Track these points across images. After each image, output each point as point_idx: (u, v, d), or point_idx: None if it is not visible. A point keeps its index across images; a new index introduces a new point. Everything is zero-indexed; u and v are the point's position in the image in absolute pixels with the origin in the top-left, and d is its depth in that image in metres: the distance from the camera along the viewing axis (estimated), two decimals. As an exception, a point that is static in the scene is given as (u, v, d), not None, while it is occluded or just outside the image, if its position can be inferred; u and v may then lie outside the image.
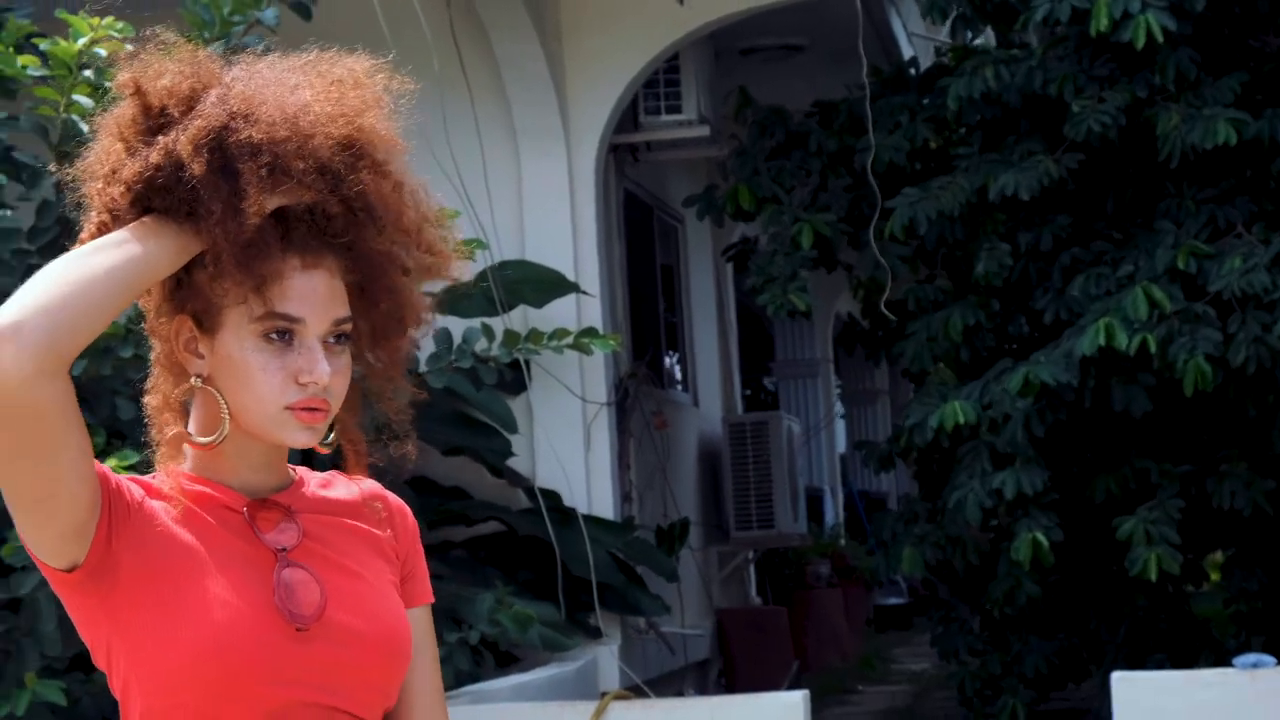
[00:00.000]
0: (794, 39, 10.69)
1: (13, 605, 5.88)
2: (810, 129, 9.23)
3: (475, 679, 7.35)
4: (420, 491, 8.10)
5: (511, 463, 8.47)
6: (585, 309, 8.67)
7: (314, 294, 2.18)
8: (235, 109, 2.16)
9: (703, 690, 10.87)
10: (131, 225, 2.15)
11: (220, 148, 2.14)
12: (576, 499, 8.59)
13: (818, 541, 14.48)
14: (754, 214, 9.23)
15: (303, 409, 2.18)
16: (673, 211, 11.28)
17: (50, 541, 2.14)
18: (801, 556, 13.92)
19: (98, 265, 2.09)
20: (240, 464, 2.23)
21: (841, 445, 18.64)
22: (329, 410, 2.20)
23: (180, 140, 2.15)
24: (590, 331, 7.85)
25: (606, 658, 8.59)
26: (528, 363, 8.34)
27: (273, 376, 2.17)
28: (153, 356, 2.25)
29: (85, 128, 5.58)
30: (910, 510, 9.06)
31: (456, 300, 8.08)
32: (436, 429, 8.18)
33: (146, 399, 2.25)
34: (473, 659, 7.19)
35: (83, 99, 6.16)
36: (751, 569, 13.04)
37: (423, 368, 7.56)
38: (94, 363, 6.16)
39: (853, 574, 14.47)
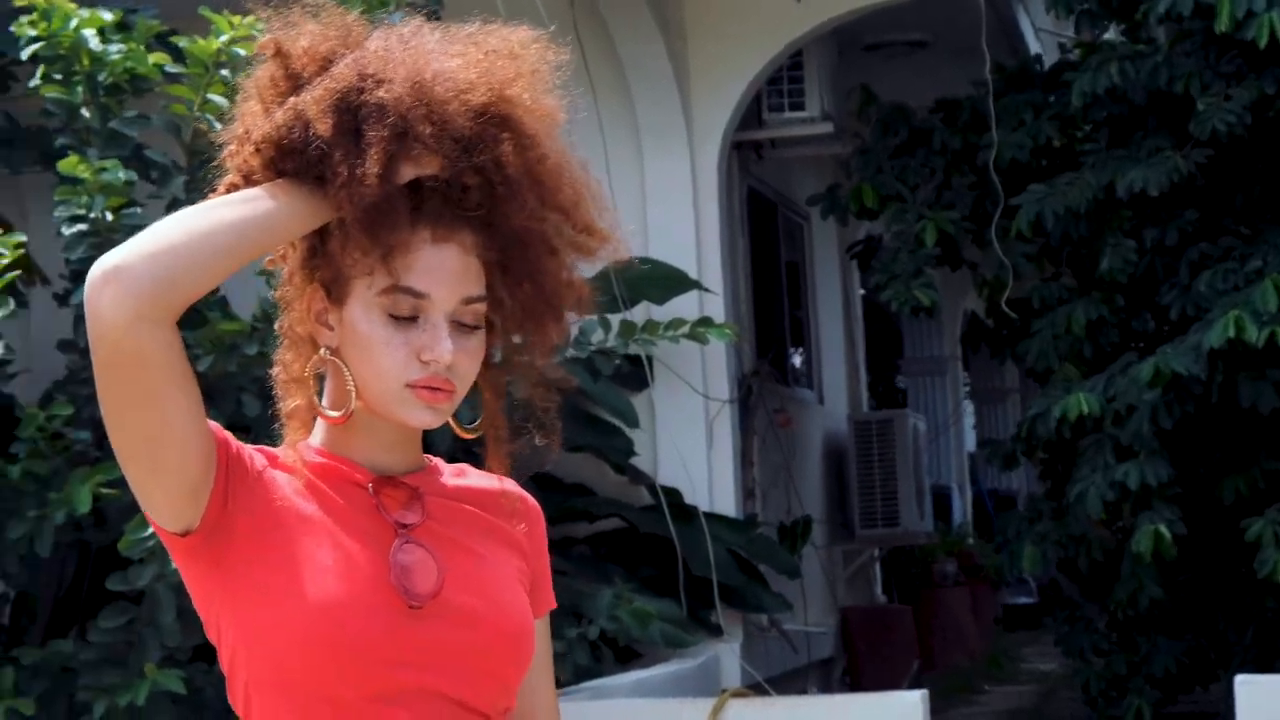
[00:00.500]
0: (918, 35, 10.66)
1: (135, 598, 5.98)
2: (934, 126, 9.22)
3: (596, 674, 7.38)
4: (543, 488, 8.14)
5: (634, 460, 8.50)
6: (708, 306, 8.67)
7: (442, 269, 2.10)
8: (367, 70, 2.09)
9: (826, 689, 10.85)
10: (262, 185, 2.10)
11: (348, 109, 2.08)
12: (698, 496, 8.60)
13: (944, 540, 14.41)
14: (877, 212, 9.22)
15: (424, 387, 2.09)
16: (798, 208, 11.27)
17: (162, 500, 2.09)
18: (928, 555, 13.86)
19: (216, 218, 2.05)
20: (371, 442, 2.16)
21: (971, 443, 18.55)
22: (454, 391, 2.11)
23: (307, 100, 2.09)
24: (706, 321, 7.85)
25: (728, 655, 8.59)
26: (650, 359, 8.36)
27: (395, 351, 2.09)
28: (281, 327, 2.19)
29: (219, 126, 5.67)
30: (1034, 509, 9.01)
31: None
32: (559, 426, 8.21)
33: (275, 370, 2.20)
34: (591, 654, 7.23)
35: (217, 98, 6.21)
36: (877, 567, 13.00)
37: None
38: (220, 360, 6.25)
39: (980, 573, 14.38)
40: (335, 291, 2.13)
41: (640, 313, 8.36)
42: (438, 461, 2.24)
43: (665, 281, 8.41)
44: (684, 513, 8.29)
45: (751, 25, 8.96)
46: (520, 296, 2.15)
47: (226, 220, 2.05)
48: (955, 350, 16.74)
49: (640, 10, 8.63)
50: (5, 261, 6.07)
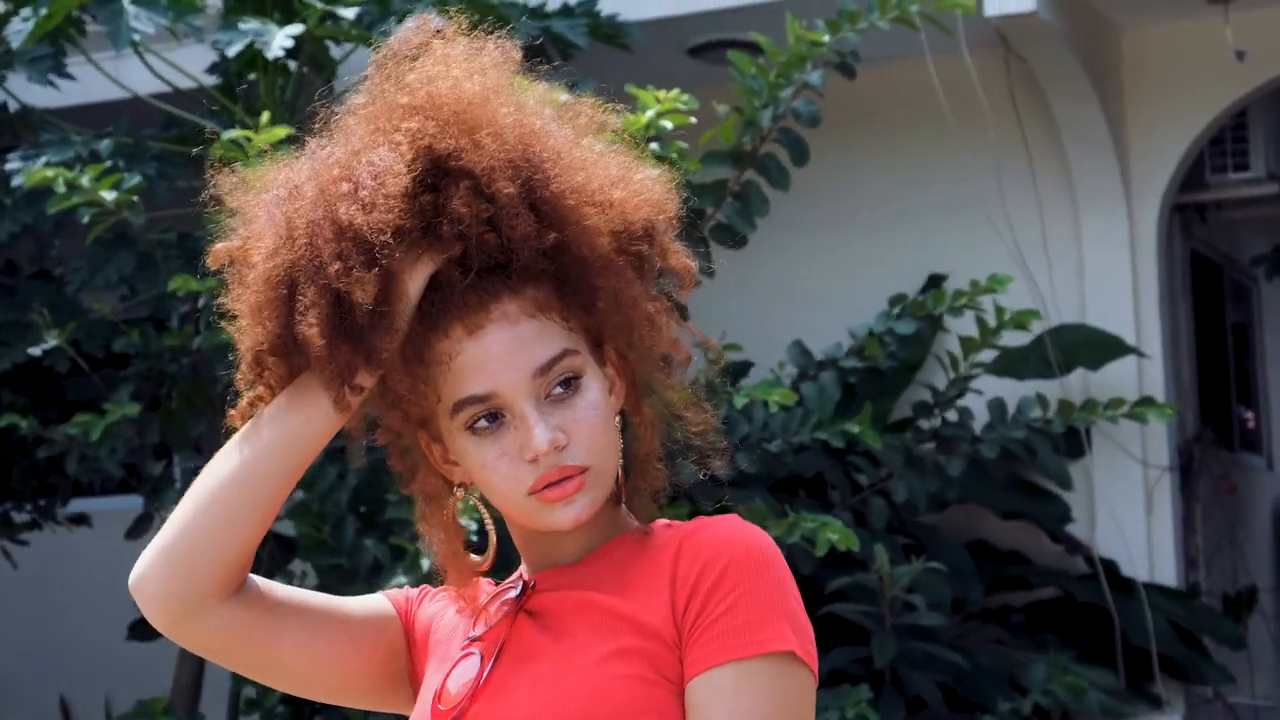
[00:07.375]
0: (1375, 88, 10.30)
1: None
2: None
3: (1030, 747, 7.32)
4: (978, 555, 8.12)
5: (1070, 528, 8.40)
6: (1146, 371, 8.54)
7: (490, 358, 1.83)
8: (280, 238, 1.88)
9: (1277, 763, 10.52)
10: (275, 401, 1.90)
11: (284, 284, 1.87)
12: (1137, 565, 8.46)
13: None
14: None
15: (545, 488, 1.85)
16: (1245, 270, 11.00)
17: (380, 706, 2.04)
18: (1389, 625, 13.31)
19: (213, 483, 1.89)
20: (536, 543, 1.95)
21: None
22: (586, 470, 1.85)
23: (247, 298, 1.90)
24: (1147, 401, 7.72)
25: (1169, 727, 8.43)
26: (1088, 429, 8.26)
27: (497, 469, 1.86)
28: (418, 485, 1.98)
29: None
30: None
31: (1012, 363, 8.10)
32: (993, 493, 8.20)
33: (424, 535, 1.98)
34: (1026, 725, 7.18)
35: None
36: (1336, 638, 12.54)
37: (977, 433, 7.57)
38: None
39: None
40: (433, 431, 1.92)
41: (1076, 378, 8.28)
42: (633, 531, 1.95)
43: (1101, 347, 8.31)
44: (1122, 582, 8.17)
45: (1192, 86, 8.80)
46: (600, 323, 1.90)
47: (223, 478, 1.89)
48: None
49: (1077, 74, 8.55)
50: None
